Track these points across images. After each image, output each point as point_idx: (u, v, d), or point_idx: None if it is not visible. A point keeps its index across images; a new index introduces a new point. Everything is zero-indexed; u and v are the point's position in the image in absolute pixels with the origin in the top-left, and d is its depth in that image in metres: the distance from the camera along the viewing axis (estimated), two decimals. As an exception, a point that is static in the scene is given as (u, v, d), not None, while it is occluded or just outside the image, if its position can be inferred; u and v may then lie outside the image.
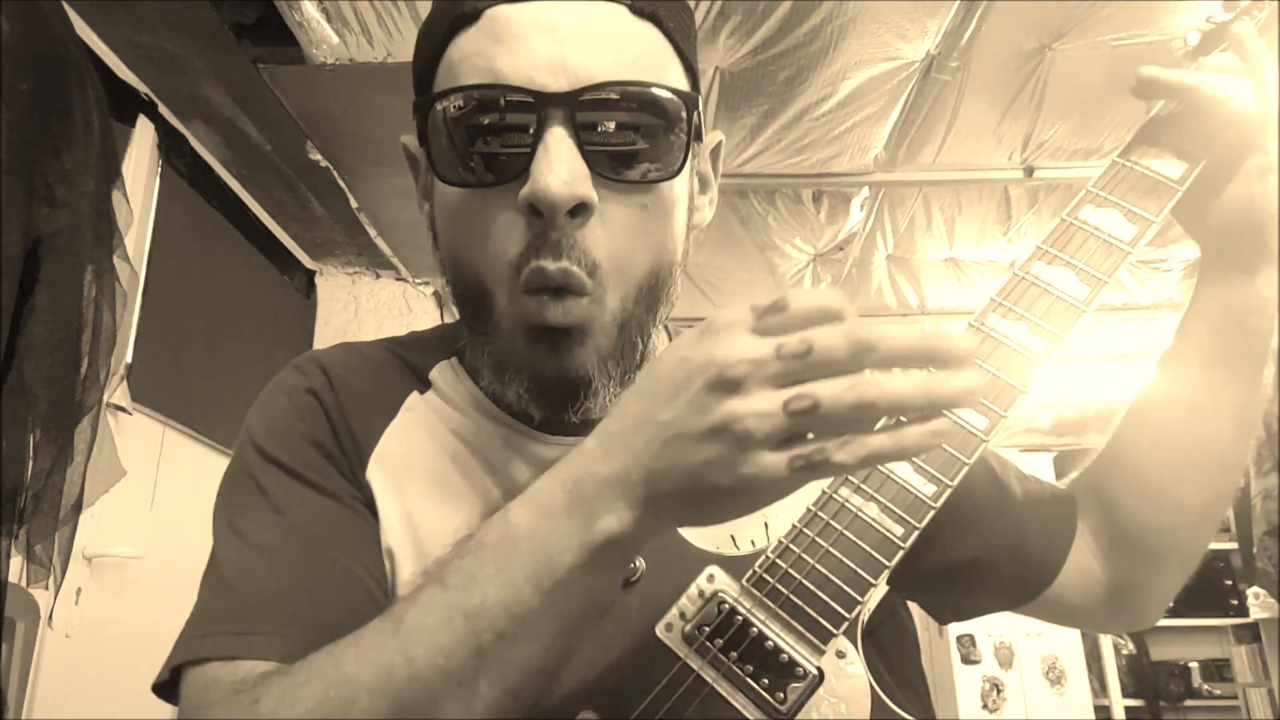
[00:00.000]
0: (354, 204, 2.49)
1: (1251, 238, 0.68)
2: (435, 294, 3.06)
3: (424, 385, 0.69)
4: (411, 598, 0.48)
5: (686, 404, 0.44)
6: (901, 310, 3.36)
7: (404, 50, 1.84)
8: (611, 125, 0.57)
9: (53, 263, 1.44)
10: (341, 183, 2.37)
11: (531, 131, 0.55)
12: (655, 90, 0.58)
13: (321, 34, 1.80)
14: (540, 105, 0.55)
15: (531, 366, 0.59)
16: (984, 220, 2.77)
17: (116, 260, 1.58)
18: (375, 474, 0.63)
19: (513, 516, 0.48)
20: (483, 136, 0.57)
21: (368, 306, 2.95)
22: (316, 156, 2.24)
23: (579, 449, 0.48)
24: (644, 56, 0.59)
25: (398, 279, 2.99)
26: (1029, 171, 2.46)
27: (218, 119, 2.08)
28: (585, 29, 0.57)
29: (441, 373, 0.70)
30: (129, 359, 1.87)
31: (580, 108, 0.55)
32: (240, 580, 0.57)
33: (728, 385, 0.43)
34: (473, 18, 0.58)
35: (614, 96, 0.56)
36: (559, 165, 0.54)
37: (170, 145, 2.06)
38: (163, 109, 2.02)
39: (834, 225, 2.76)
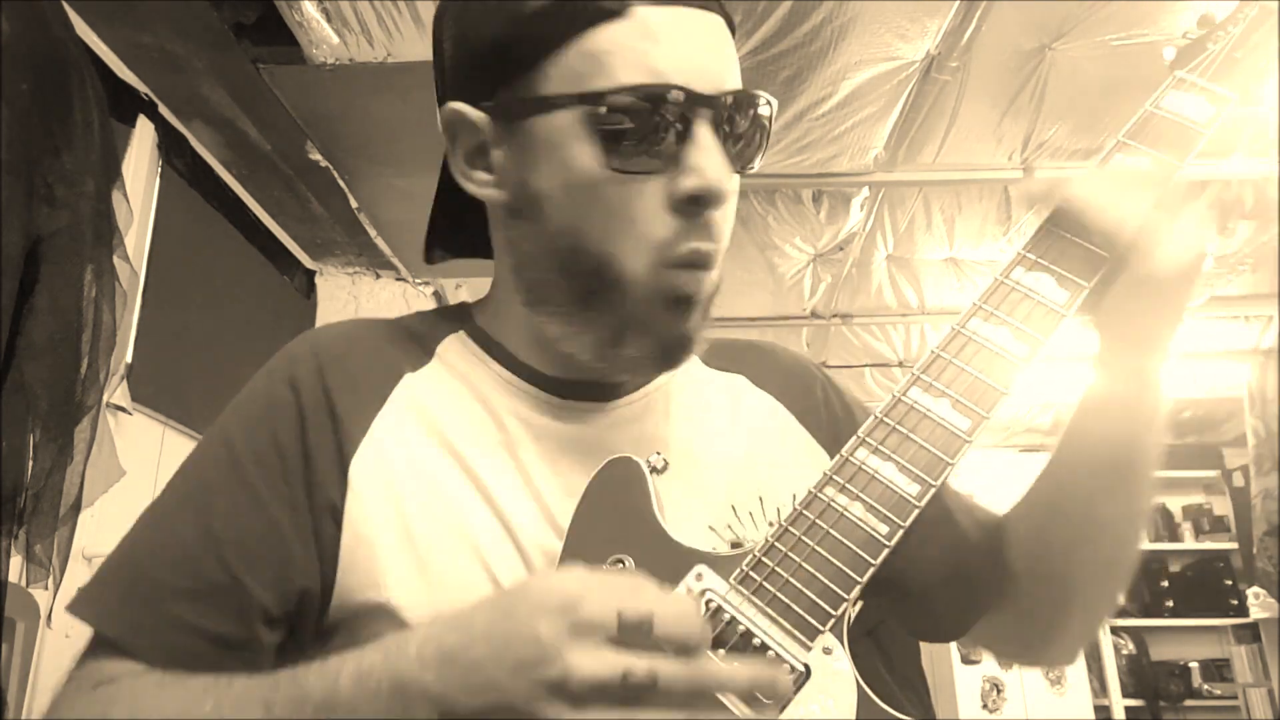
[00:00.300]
0: (354, 204, 2.49)
1: (1132, 359, 0.66)
2: (435, 294, 3.07)
3: (425, 358, 0.71)
4: (242, 708, 0.54)
5: (525, 686, 0.47)
6: (901, 310, 3.36)
7: (404, 50, 1.84)
8: (740, 126, 0.65)
9: (53, 263, 1.44)
10: (341, 183, 2.37)
11: (682, 128, 0.61)
12: (766, 97, 0.66)
13: (321, 34, 1.80)
14: (694, 104, 0.61)
15: (660, 330, 0.65)
16: (984, 220, 2.77)
17: (116, 260, 1.58)
18: (361, 466, 0.64)
19: (341, 683, 0.52)
20: (644, 129, 0.61)
21: (368, 306, 2.95)
22: (316, 156, 2.24)
23: (419, 645, 0.51)
24: (737, 65, 0.67)
25: (398, 279, 2.99)
26: (1029, 171, 2.46)
27: (218, 119, 2.08)
28: (712, 38, 0.64)
29: (450, 345, 0.72)
30: (129, 359, 1.87)
31: (721, 109, 0.63)
32: (145, 560, 0.63)
33: (567, 694, 0.46)
34: (618, 13, 0.61)
35: (744, 100, 0.64)
36: (717, 160, 0.62)
37: (170, 145, 2.06)
38: (163, 109, 2.02)
39: (834, 225, 2.76)
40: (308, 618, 0.63)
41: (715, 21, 0.65)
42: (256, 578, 0.61)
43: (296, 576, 0.62)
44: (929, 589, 0.70)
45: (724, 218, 0.65)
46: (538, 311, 0.68)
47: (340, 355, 0.69)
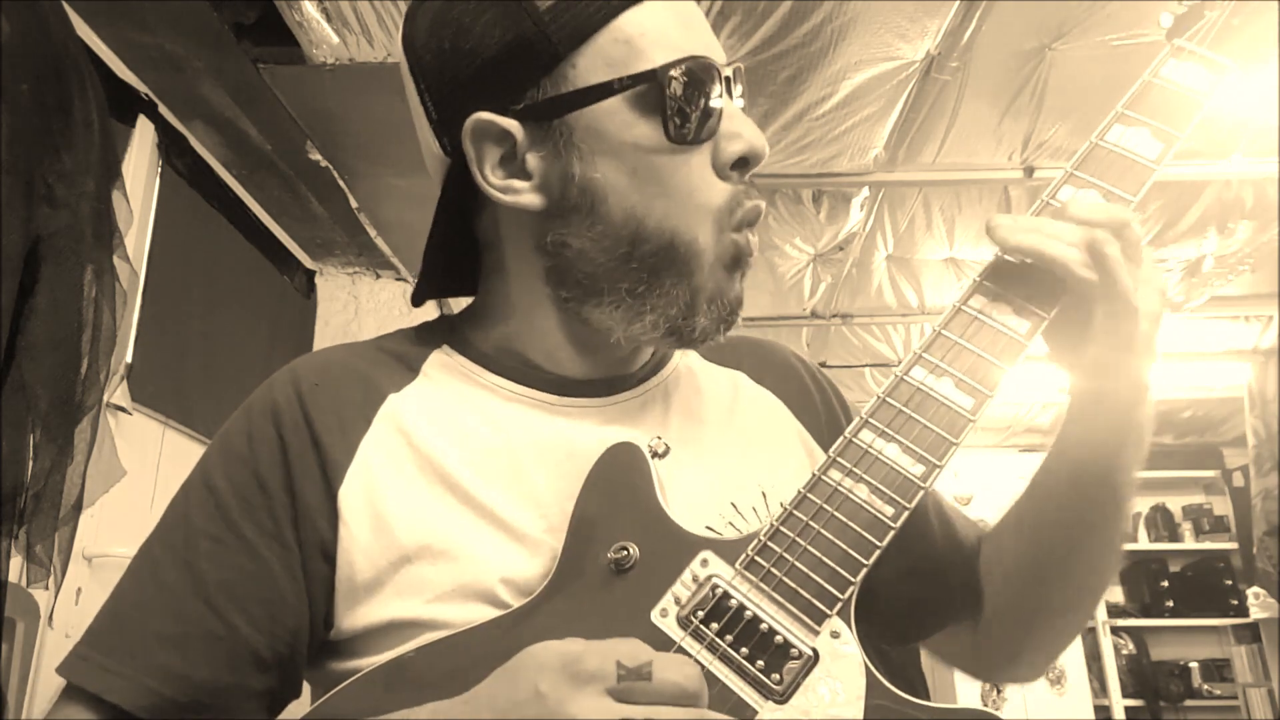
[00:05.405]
0: (354, 204, 2.49)
1: (1109, 418, 0.67)
2: (435, 294, 3.06)
3: (410, 375, 0.70)
4: None
5: None
6: (902, 310, 3.36)
7: (404, 50, 1.83)
8: (740, 93, 0.69)
9: (53, 263, 1.44)
10: (341, 183, 2.38)
11: (714, 100, 0.65)
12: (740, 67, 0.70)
13: (321, 34, 1.80)
14: (719, 75, 0.65)
15: (725, 293, 0.67)
16: (984, 220, 2.76)
17: (116, 260, 1.58)
18: (350, 492, 0.63)
19: None
20: (693, 101, 0.64)
21: (368, 306, 2.95)
22: (316, 156, 2.25)
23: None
24: None
25: (398, 279, 2.99)
26: (1029, 171, 2.46)
27: (218, 119, 2.09)
28: (702, 15, 0.68)
29: (437, 360, 0.71)
30: (129, 359, 1.87)
31: (730, 80, 0.67)
32: (130, 610, 0.62)
33: None
34: None
35: (739, 72, 0.69)
36: (749, 122, 0.66)
37: (170, 145, 2.06)
38: (163, 109, 2.02)
39: (834, 225, 2.76)
40: (298, 662, 0.63)
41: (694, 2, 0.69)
42: (246, 619, 0.60)
43: (287, 616, 0.61)
44: (888, 589, 0.69)
45: None
46: (589, 306, 0.67)
47: (319, 382, 0.68)
